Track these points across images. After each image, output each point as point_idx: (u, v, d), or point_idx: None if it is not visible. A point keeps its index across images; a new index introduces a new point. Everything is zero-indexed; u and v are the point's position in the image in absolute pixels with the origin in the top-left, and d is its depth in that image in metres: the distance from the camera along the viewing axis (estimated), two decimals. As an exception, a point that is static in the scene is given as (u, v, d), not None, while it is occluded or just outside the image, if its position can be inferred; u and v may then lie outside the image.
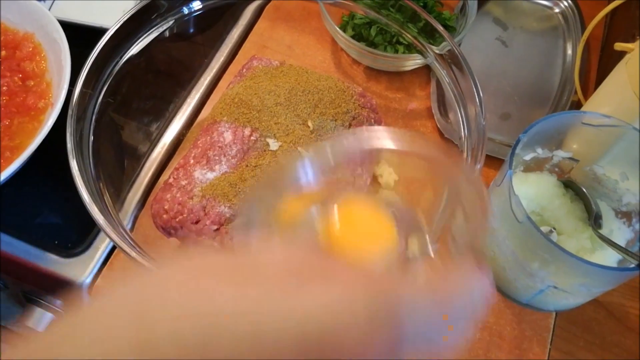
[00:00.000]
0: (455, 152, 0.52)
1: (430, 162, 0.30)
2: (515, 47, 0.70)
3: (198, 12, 0.59)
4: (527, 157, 0.52)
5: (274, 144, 0.49)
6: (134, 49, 0.56)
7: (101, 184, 0.47)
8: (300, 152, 0.47)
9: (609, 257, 0.50)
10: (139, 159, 0.57)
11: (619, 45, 0.49)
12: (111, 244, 0.54)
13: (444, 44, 0.53)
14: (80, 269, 0.53)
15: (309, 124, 0.50)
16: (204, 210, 0.44)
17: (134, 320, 0.18)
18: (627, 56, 0.48)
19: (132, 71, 0.56)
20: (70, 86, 0.54)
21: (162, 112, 0.61)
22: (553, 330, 0.51)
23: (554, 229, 0.52)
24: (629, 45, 0.47)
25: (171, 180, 0.47)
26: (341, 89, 0.53)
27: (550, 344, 0.50)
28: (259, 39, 0.68)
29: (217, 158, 0.48)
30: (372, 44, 0.63)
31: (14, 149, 0.54)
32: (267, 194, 0.26)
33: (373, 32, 0.62)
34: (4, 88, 0.57)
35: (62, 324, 0.19)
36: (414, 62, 0.61)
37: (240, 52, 0.66)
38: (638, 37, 0.48)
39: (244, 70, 0.57)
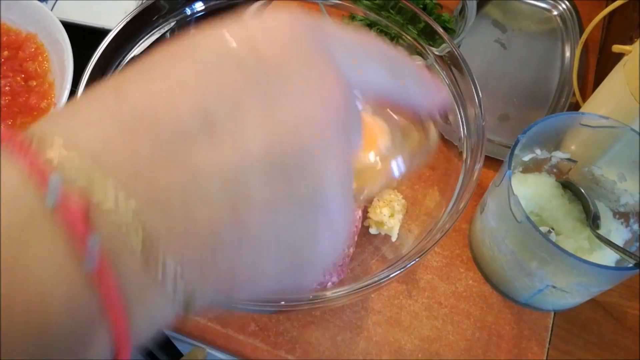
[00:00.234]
0: (455, 153, 0.52)
1: None
2: (514, 49, 0.70)
3: (200, 14, 0.59)
4: (526, 158, 0.52)
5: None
6: (136, 50, 0.56)
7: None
8: None
9: (607, 257, 0.50)
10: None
11: (616, 48, 0.49)
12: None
13: (443, 45, 0.53)
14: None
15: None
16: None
17: (112, 90, 0.17)
18: (624, 58, 0.48)
19: (134, 72, 0.56)
20: (73, 87, 0.54)
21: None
22: (552, 330, 0.51)
23: (553, 229, 0.52)
24: (627, 48, 0.48)
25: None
26: (342, 90, 0.54)
27: (549, 344, 0.51)
28: (259, 40, 0.68)
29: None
30: (372, 46, 0.63)
31: (16, 149, 0.54)
32: None
33: (373, 33, 0.63)
34: (7, 88, 0.58)
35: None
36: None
37: (241, 53, 0.67)
38: (636, 39, 0.48)
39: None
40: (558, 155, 0.53)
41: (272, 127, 0.17)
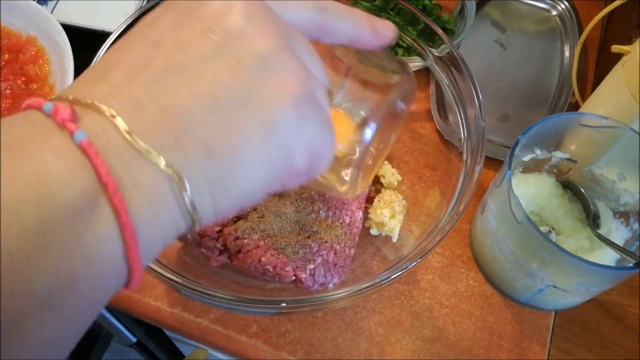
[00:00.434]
0: (455, 153, 0.52)
1: None
2: (513, 49, 0.71)
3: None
4: (526, 158, 0.53)
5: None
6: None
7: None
8: None
9: (608, 257, 0.50)
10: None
11: (616, 48, 0.49)
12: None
13: (443, 46, 0.54)
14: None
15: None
16: (207, 212, 0.44)
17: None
18: (624, 58, 0.49)
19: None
20: (74, 89, 0.54)
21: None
22: (552, 329, 0.51)
23: (553, 229, 0.52)
24: (626, 48, 0.48)
25: (174, 182, 0.48)
26: (342, 91, 0.54)
27: (550, 343, 0.51)
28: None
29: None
30: (372, 47, 0.63)
31: (17, 151, 0.54)
32: None
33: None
34: (7, 91, 0.58)
35: None
36: (413, 64, 0.61)
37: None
38: (635, 40, 0.49)
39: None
40: (558, 155, 0.53)
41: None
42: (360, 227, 0.49)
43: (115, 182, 0.19)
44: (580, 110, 0.57)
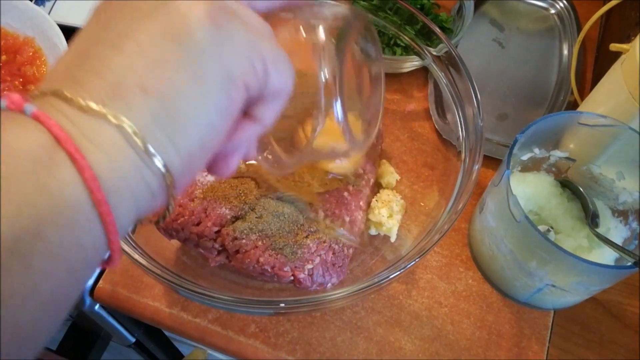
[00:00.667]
0: (454, 153, 0.52)
1: None
2: (511, 48, 0.70)
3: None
4: (525, 157, 0.52)
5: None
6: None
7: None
8: None
9: (606, 256, 0.50)
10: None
11: (614, 46, 0.49)
12: (112, 246, 0.54)
13: (441, 45, 0.54)
14: (82, 271, 0.53)
15: (309, 125, 0.51)
16: (205, 212, 0.44)
17: None
18: (622, 57, 0.49)
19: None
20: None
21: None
22: (551, 328, 0.51)
23: (552, 228, 0.52)
24: (624, 46, 0.48)
25: (172, 182, 0.48)
26: (340, 90, 0.54)
27: (549, 342, 0.51)
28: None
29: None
30: (370, 46, 0.63)
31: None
32: None
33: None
34: (5, 92, 0.58)
35: None
36: (411, 64, 0.61)
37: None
38: (633, 38, 0.48)
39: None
40: (556, 154, 0.53)
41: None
42: (361, 227, 0.49)
43: (68, 135, 0.20)
44: (579, 109, 0.57)
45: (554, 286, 0.46)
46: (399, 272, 0.42)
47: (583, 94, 0.63)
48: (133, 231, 0.53)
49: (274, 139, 0.35)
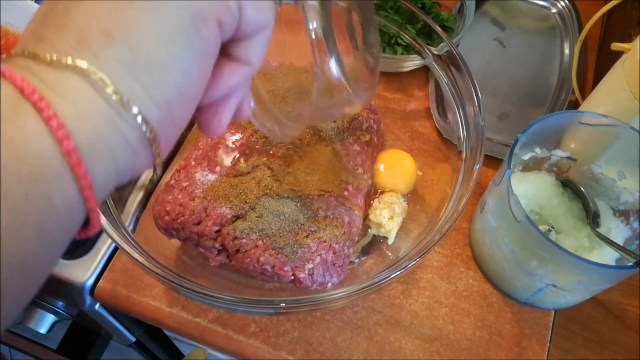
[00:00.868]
0: (455, 152, 0.52)
1: None
2: (513, 47, 0.70)
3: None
4: (526, 157, 0.52)
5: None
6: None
7: (103, 186, 0.47)
8: None
9: (607, 256, 0.50)
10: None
11: (615, 45, 0.49)
12: (113, 246, 0.54)
13: (442, 44, 0.53)
14: (82, 270, 0.53)
15: (309, 125, 0.51)
16: (206, 212, 0.44)
17: None
18: (623, 56, 0.48)
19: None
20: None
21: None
22: (552, 328, 0.51)
23: (553, 227, 0.52)
24: (626, 45, 0.48)
25: (172, 181, 0.47)
26: (340, 90, 0.54)
27: (550, 342, 0.51)
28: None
29: (218, 160, 0.48)
30: (370, 45, 0.63)
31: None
32: None
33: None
34: (5, 91, 0.58)
35: None
36: (412, 63, 0.61)
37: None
38: (635, 37, 0.48)
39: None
40: (557, 153, 0.53)
41: None
42: (360, 227, 0.49)
43: (32, 86, 0.19)
44: (580, 108, 0.57)
45: (554, 286, 0.46)
46: (399, 272, 0.41)
47: (584, 94, 0.63)
48: (133, 230, 0.53)
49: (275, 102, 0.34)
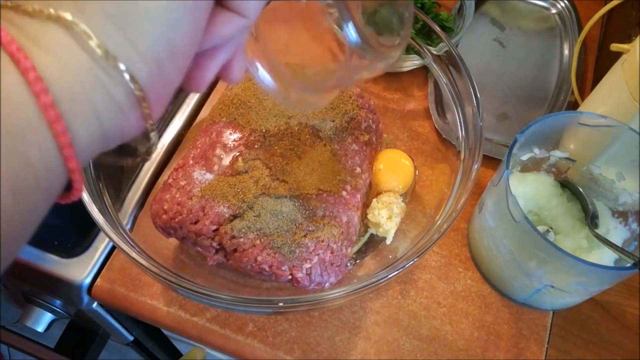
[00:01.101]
0: (453, 152, 0.52)
1: None
2: (512, 47, 0.70)
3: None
4: (524, 157, 0.52)
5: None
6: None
7: (101, 184, 0.47)
8: None
9: (606, 257, 0.50)
10: (138, 160, 0.57)
11: (615, 46, 0.49)
12: (111, 245, 0.54)
13: (441, 44, 0.53)
14: (80, 269, 0.53)
15: (308, 125, 0.51)
16: (203, 211, 0.44)
17: None
18: (623, 57, 0.48)
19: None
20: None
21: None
22: (550, 329, 0.51)
23: (551, 228, 0.52)
24: (625, 46, 0.48)
25: (170, 180, 0.47)
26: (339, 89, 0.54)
27: (548, 343, 0.51)
28: (257, 39, 0.68)
29: (216, 159, 0.48)
30: (370, 45, 0.63)
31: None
32: None
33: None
34: None
35: None
36: (411, 63, 0.61)
37: (238, 53, 0.66)
38: (634, 38, 0.48)
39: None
40: (556, 154, 0.52)
41: None
42: (358, 227, 0.49)
43: (10, 36, 0.18)
44: (579, 109, 0.57)
45: (553, 287, 0.46)
46: (397, 272, 0.41)
47: (583, 94, 0.63)
48: (131, 229, 0.52)
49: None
